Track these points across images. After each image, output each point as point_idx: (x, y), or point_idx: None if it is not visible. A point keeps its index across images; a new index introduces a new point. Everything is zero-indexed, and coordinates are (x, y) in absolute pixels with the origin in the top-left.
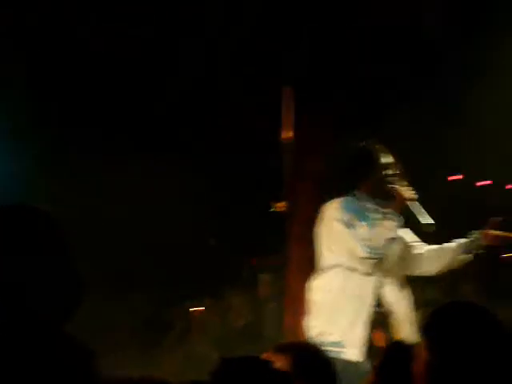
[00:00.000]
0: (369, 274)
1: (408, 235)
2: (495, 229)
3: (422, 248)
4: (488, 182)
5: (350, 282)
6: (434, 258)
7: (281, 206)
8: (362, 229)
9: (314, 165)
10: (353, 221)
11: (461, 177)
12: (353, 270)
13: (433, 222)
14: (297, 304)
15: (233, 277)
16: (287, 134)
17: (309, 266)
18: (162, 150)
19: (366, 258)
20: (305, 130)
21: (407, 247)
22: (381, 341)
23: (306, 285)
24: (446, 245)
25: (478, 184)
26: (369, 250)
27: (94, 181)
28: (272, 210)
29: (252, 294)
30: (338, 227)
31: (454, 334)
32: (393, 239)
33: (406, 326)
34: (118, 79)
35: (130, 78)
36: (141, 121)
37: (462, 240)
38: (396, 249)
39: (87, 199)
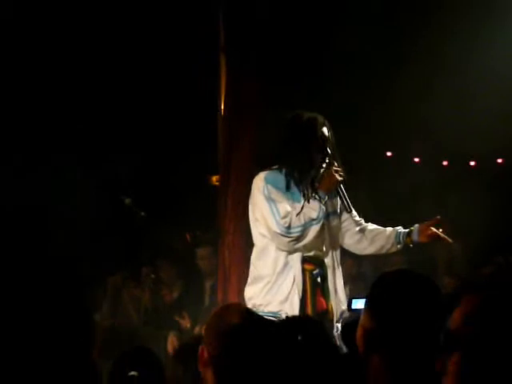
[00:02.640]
0: (285, 251)
1: (349, 212)
2: (434, 226)
3: (361, 225)
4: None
5: (280, 253)
6: (368, 239)
7: (216, 179)
8: (282, 205)
9: (248, 136)
10: (275, 195)
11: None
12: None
13: (351, 208)
14: (230, 278)
15: (166, 251)
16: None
17: (241, 240)
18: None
19: (280, 235)
20: (238, 100)
21: (348, 222)
22: (322, 306)
23: (239, 259)
24: (382, 229)
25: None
26: (283, 229)
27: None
28: (208, 183)
29: (186, 269)
30: (260, 200)
31: (395, 301)
32: (314, 220)
33: (340, 295)
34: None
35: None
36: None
37: (399, 229)
38: (316, 229)
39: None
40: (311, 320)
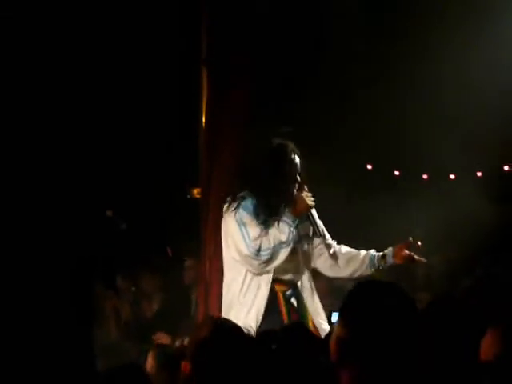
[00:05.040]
0: (255, 274)
1: (319, 236)
2: (408, 248)
3: (334, 249)
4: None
5: (246, 279)
6: (342, 263)
7: (198, 191)
8: (252, 228)
9: (228, 150)
10: (246, 219)
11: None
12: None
13: (321, 233)
14: (211, 289)
15: (147, 263)
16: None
17: (221, 255)
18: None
19: (250, 258)
20: (220, 113)
21: (321, 247)
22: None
23: (220, 270)
24: (355, 252)
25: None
26: (253, 251)
27: None
28: (189, 196)
29: (167, 282)
30: (231, 223)
31: (368, 310)
32: (284, 243)
33: (316, 317)
34: None
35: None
36: None
37: (373, 252)
38: (286, 252)
39: None
40: (285, 331)
